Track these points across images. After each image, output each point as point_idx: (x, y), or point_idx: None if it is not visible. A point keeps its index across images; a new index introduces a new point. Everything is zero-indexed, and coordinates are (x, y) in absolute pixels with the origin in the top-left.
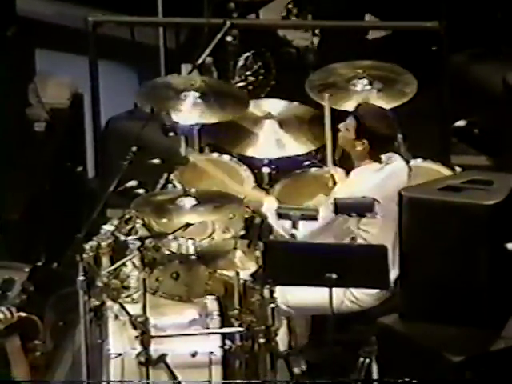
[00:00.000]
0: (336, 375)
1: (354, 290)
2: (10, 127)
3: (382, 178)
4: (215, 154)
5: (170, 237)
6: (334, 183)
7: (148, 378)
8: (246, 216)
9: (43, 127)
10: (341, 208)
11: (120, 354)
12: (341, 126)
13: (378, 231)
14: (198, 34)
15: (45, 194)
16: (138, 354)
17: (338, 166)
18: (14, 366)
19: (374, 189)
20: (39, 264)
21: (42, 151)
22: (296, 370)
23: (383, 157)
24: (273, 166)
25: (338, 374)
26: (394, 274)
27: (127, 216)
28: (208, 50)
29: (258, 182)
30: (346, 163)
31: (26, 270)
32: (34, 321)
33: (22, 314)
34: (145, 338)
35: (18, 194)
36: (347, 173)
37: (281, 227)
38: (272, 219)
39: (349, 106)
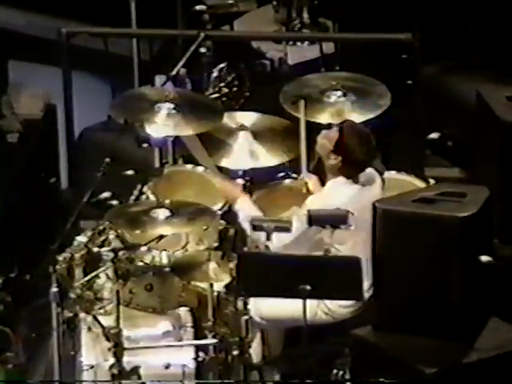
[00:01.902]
0: None
1: (327, 302)
2: None
3: (355, 191)
4: (189, 166)
5: (144, 248)
6: (308, 191)
7: None
8: (220, 228)
9: (16, 138)
10: (315, 220)
11: (93, 366)
12: (322, 133)
13: (351, 243)
14: (172, 45)
15: (18, 205)
16: (111, 366)
17: (311, 173)
18: None
19: (348, 201)
20: (12, 275)
21: (15, 162)
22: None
23: (361, 176)
24: (247, 178)
25: None
26: (366, 285)
27: (101, 227)
28: (182, 62)
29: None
30: (321, 171)
31: None
32: (7, 333)
33: None
34: (118, 350)
35: None
36: (321, 181)
37: (250, 230)
38: (243, 220)
39: (322, 117)
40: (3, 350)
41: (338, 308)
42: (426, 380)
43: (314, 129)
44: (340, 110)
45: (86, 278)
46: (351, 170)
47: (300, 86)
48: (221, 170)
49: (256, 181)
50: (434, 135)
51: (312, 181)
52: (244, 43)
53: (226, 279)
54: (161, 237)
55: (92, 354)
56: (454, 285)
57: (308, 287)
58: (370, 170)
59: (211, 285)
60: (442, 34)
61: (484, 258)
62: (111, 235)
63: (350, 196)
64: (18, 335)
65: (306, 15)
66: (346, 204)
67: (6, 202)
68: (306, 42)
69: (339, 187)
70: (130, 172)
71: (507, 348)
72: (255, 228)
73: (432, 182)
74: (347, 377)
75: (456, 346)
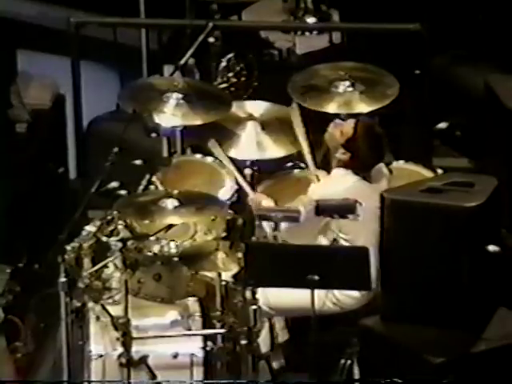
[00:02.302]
0: (317, 376)
1: (335, 292)
2: None
3: (357, 179)
4: (198, 156)
5: (152, 238)
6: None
7: (129, 379)
8: (228, 217)
9: (25, 128)
10: (322, 209)
11: (101, 356)
12: (335, 122)
13: (356, 231)
14: (181, 35)
15: (26, 194)
16: (120, 356)
17: (319, 167)
18: (0, 367)
19: (350, 189)
20: (20, 265)
21: (24, 152)
22: (275, 365)
23: (373, 171)
24: (255, 168)
25: (320, 375)
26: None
27: (109, 217)
28: (190, 52)
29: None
30: (328, 164)
31: (8, 270)
32: (16, 322)
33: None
34: (126, 340)
35: None
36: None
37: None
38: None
39: (331, 107)
40: (12, 340)
41: (346, 298)
42: (432, 379)
43: (321, 118)
44: (348, 100)
45: (95, 268)
46: (358, 168)
47: (308, 76)
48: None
49: (264, 171)
50: (443, 125)
51: (321, 175)
52: (252, 33)
53: (235, 269)
54: (169, 226)
55: (100, 344)
56: (462, 274)
57: (316, 277)
58: (379, 165)
59: (219, 274)
60: (452, 24)
61: (492, 248)
62: (120, 225)
63: (353, 183)
64: (27, 325)
65: (309, 3)
66: (347, 191)
67: (15, 192)
68: (315, 32)
69: (342, 176)
70: (138, 162)
71: None
72: (262, 218)
73: (440, 171)
74: (355, 366)
75: (464, 336)
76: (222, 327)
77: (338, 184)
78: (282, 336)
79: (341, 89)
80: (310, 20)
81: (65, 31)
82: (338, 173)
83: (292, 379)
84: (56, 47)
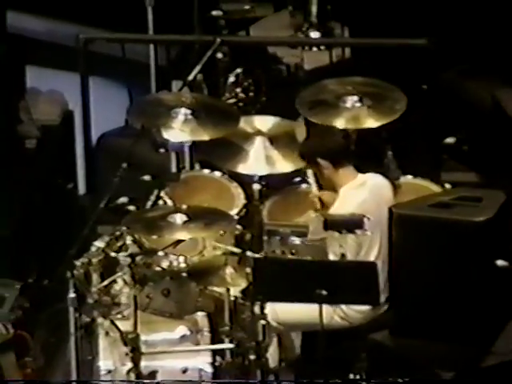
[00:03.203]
0: None
1: (343, 307)
2: (1, 144)
3: (364, 196)
4: (206, 171)
5: (161, 253)
6: (322, 204)
7: None
8: (237, 232)
9: (34, 144)
10: (331, 224)
11: (110, 371)
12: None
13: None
14: (189, 50)
15: (36, 210)
16: (129, 371)
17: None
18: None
19: (358, 206)
20: (30, 281)
21: (33, 168)
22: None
23: (368, 180)
24: (263, 183)
25: None
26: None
27: (118, 233)
28: (199, 67)
29: (249, 199)
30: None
31: (17, 286)
32: (25, 337)
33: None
34: (135, 355)
35: (9, 211)
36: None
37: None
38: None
39: (339, 122)
40: (22, 355)
41: (354, 313)
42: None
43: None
44: (356, 115)
45: (104, 283)
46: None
47: (316, 92)
48: (236, 175)
49: (272, 186)
50: (450, 140)
51: (325, 195)
52: (260, 48)
53: (243, 284)
54: (178, 242)
55: (110, 359)
56: (471, 289)
57: (324, 292)
58: (374, 175)
59: (228, 289)
60: (458, 38)
61: (500, 263)
62: (128, 240)
63: (359, 201)
64: (36, 340)
65: (314, 17)
66: (355, 209)
67: (24, 208)
68: (322, 47)
69: (349, 192)
70: (147, 177)
71: None
72: (270, 233)
73: (448, 186)
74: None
75: (473, 351)
76: (230, 342)
77: (347, 201)
78: (292, 352)
79: (349, 104)
80: (314, 34)
81: (73, 47)
82: (345, 190)
83: None
84: (65, 63)
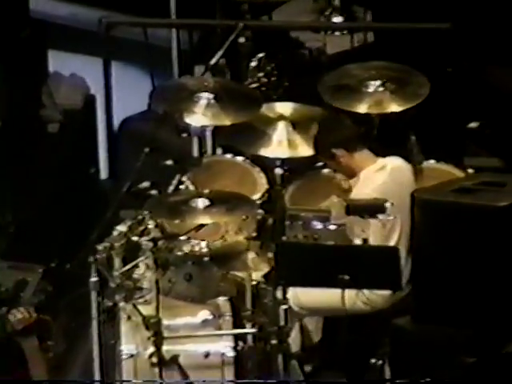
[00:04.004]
0: (348, 376)
1: (366, 292)
2: (24, 128)
3: (384, 178)
4: (228, 155)
5: (183, 238)
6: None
7: (161, 378)
8: (259, 217)
9: (57, 128)
10: (353, 209)
11: (132, 355)
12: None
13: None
14: (211, 35)
15: (58, 195)
16: (151, 355)
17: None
18: (32, 367)
19: (378, 189)
20: (52, 265)
21: (56, 152)
22: (307, 368)
23: (381, 161)
24: (285, 168)
25: (351, 375)
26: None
27: (140, 217)
28: (221, 52)
29: (271, 183)
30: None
31: (40, 270)
32: (47, 321)
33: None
34: (157, 339)
35: (32, 195)
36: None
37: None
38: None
39: (361, 107)
40: (44, 339)
41: (377, 297)
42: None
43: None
44: (379, 99)
45: (126, 268)
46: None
47: (339, 76)
48: (258, 160)
49: (294, 170)
50: (474, 124)
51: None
52: (283, 33)
53: (265, 269)
54: (200, 226)
55: (132, 343)
56: (493, 274)
57: (346, 277)
58: (394, 158)
59: (250, 274)
60: (482, 23)
61: None
62: (150, 225)
63: (379, 184)
64: (59, 324)
65: (336, 1)
66: (375, 192)
67: (47, 192)
68: (345, 32)
69: (369, 176)
70: (169, 162)
71: None
72: (293, 218)
73: (471, 171)
74: (386, 366)
75: (495, 336)
76: (252, 327)
77: (367, 185)
78: (314, 337)
79: (371, 88)
80: (337, 19)
81: (96, 32)
82: (365, 173)
83: (325, 378)
84: (87, 48)
